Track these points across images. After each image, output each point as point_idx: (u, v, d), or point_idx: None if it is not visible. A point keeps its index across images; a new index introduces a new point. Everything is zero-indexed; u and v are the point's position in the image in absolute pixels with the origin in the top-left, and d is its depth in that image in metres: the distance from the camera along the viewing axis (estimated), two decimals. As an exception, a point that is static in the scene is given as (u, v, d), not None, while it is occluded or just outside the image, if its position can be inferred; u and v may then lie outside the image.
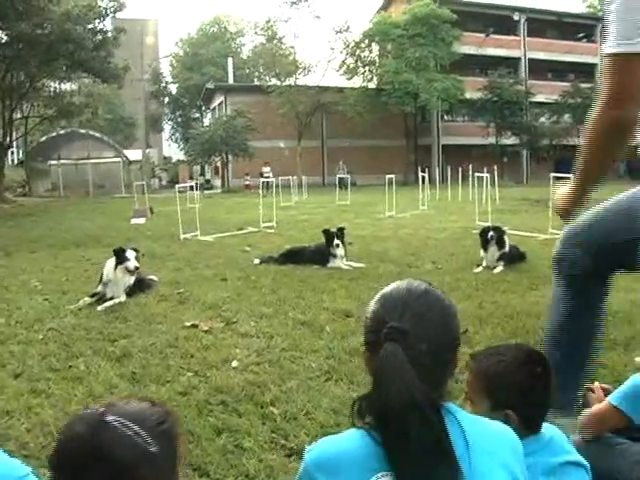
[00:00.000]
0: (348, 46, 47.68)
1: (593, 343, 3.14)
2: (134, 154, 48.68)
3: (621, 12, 2.13)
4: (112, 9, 30.34)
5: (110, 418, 1.33)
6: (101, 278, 6.80)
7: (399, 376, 1.42)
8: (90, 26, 29.29)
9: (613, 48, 2.15)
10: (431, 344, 1.50)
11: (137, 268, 6.80)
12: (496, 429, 1.61)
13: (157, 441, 1.33)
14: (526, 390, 2.05)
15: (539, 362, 2.15)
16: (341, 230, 9.06)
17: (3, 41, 26.91)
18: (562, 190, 2.77)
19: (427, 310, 1.54)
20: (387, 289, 1.63)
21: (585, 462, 2.11)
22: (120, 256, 6.79)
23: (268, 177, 27.31)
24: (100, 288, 6.72)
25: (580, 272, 3.11)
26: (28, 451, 3.18)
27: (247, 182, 40.67)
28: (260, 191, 15.94)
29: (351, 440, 1.51)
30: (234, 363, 4.54)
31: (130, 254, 6.81)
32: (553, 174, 12.58)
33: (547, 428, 2.13)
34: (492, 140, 44.95)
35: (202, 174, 56.46)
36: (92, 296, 6.70)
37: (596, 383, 2.74)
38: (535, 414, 2.08)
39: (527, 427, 2.01)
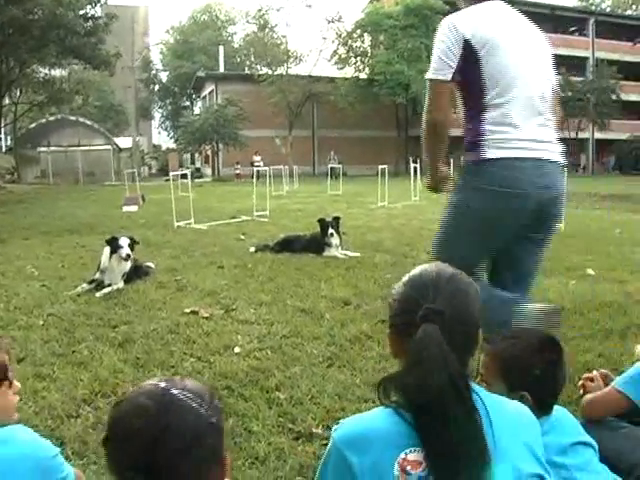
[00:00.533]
0: (340, 36, 47.68)
1: None
2: (124, 142, 48.49)
3: (441, 52, 3.41)
4: (103, -5, 30.18)
5: (175, 391, 1.36)
6: (99, 265, 6.81)
7: (439, 356, 1.48)
8: (81, 12, 29.13)
9: (430, 75, 3.47)
10: (462, 324, 1.56)
11: (129, 256, 6.82)
12: (516, 408, 1.67)
13: (213, 413, 1.38)
14: (541, 373, 2.11)
15: (554, 346, 2.22)
16: (336, 219, 9.10)
17: (-8, 26, 26.68)
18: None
19: (457, 292, 1.60)
20: (415, 272, 1.68)
21: (593, 442, 2.17)
22: (113, 245, 6.82)
23: (259, 166, 27.30)
24: (98, 275, 6.74)
25: None
26: (38, 433, 3.20)
27: (237, 171, 40.68)
28: (254, 180, 15.94)
29: (379, 418, 1.56)
30: (236, 349, 4.58)
31: (123, 241, 6.83)
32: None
33: (557, 410, 2.20)
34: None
35: (192, 162, 56.36)
36: (90, 283, 6.71)
37: (594, 372, 2.81)
38: (548, 396, 2.15)
39: (540, 408, 2.07)
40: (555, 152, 3.48)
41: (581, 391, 2.72)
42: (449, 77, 3.41)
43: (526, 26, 3.58)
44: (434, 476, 1.43)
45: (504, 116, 3.36)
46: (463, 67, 3.36)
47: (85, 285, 6.67)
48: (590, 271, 7.39)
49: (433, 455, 1.44)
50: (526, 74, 3.39)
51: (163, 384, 1.40)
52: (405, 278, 1.69)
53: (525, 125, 3.37)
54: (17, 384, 1.96)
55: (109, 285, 6.62)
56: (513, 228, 3.47)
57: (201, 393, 1.40)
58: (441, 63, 3.40)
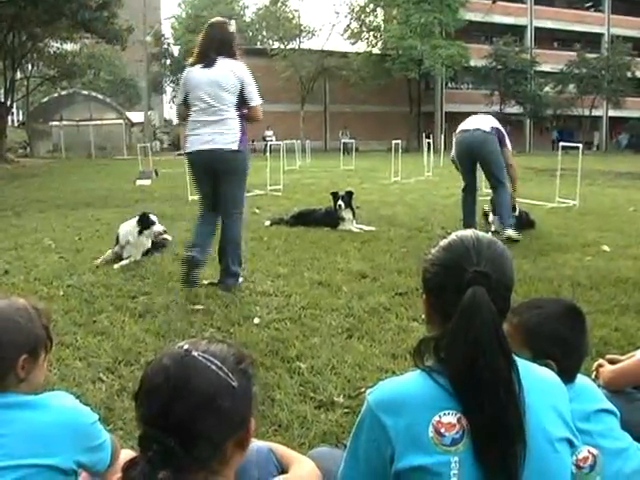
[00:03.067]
0: (353, 10, 47.33)
1: None
2: (135, 116, 48.39)
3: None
4: (116, -32, 29.94)
5: (195, 353, 1.40)
6: (117, 240, 6.85)
7: (489, 318, 1.50)
8: (94, -15, 28.93)
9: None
10: (504, 288, 1.59)
11: (165, 231, 6.95)
12: (545, 374, 1.70)
13: (236, 377, 1.41)
14: (565, 342, 2.14)
15: (578, 315, 2.24)
16: (349, 194, 9.09)
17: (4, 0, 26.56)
18: None
19: (498, 256, 1.62)
20: (452, 238, 1.69)
21: (615, 409, 2.20)
22: (145, 221, 6.86)
23: (271, 140, 27.23)
24: (117, 249, 6.77)
25: None
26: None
27: (251, 146, 40.64)
28: (267, 154, 15.91)
29: (413, 381, 1.58)
30: (256, 320, 4.63)
31: (154, 218, 6.90)
32: (562, 143, 12.64)
33: (580, 378, 2.22)
34: (496, 108, 44.73)
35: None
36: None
37: (603, 360, 2.84)
38: (573, 364, 2.17)
39: (565, 376, 2.09)
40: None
41: (594, 375, 2.75)
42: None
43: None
44: (470, 438, 1.46)
45: None
46: None
47: (110, 252, 6.76)
48: (605, 248, 7.39)
49: (472, 417, 1.47)
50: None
51: (186, 346, 1.44)
52: (443, 243, 1.70)
53: None
54: None
55: (127, 258, 6.67)
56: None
57: (224, 357, 1.43)
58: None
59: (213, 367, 1.39)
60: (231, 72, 5.42)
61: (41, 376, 1.90)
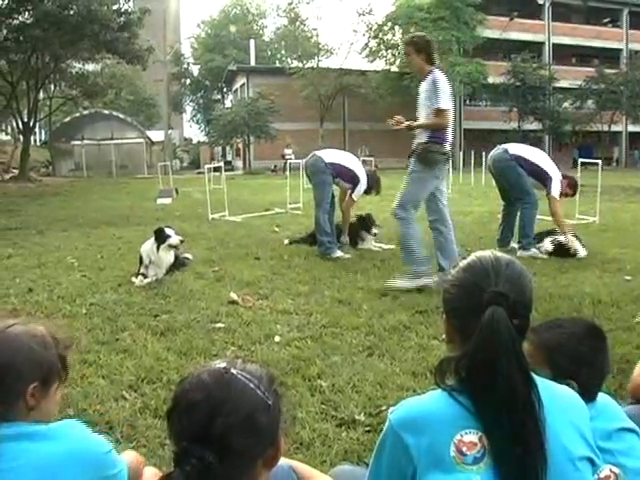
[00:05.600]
0: (371, 29, 47.40)
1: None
2: (156, 135, 48.75)
3: None
4: (137, -10, 30.34)
5: (234, 371, 1.45)
6: (140, 260, 6.87)
7: (508, 339, 1.53)
8: (115, 7, 29.24)
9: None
10: (523, 308, 1.62)
11: (182, 241, 7.00)
12: (565, 392, 1.72)
13: (270, 396, 1.45)
14: (586, 361, 2.15)
15: (599, 334, 2.25)
16: (368, 216, 9.20)
17: (29, 22, 26.92)
18: None
19: (516, 276, 1.65)
20: (472, 259, 1.73)
21: (637, 428, 2.20)
22: (160, 235, 6.88)
23: (290, 158, 27.32)
24: (142, 270, 6.78)
25: None
26: (87, 417, 3.30)
27: (275, 167, 40.83)
28: (287, 172, 15.98)
29: (434, 400, 1.60)
30: (277, 338, 4.67)
31: (169, 231, 6.93)
32: (581, 159, 12.60)
33: (601, 396, 2.22)
34: (514, 125, 44.61)
35: (224, 155, 56.59)
36: (137, 275, 6.78)
37: None
38: (594, 383, 2.17)
39: (586, 395, 2.10)
40: None
41: None
42: None
43: None
44: (491, 457, 1.48)
45: None
46: None
47: (140, 278, 6.72)
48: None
49: (493, 436, 1.49)
50: None
51: (225, 364, 1.48)
52: (462, 264, 1.74)
53: None
54: None
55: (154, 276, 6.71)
56: None
57: (260, 376, 1.48)
58: None
59: (252, 385, 1.44)
60: None
61: (52, 406, 1.87)
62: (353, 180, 8.63)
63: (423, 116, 6.61)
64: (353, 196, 8.73)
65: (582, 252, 7.96)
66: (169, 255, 6.90)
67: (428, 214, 6.77)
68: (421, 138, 6.56)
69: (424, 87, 6.57)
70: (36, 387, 1.76)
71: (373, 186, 9.08)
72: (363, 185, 8.67)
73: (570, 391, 1.75)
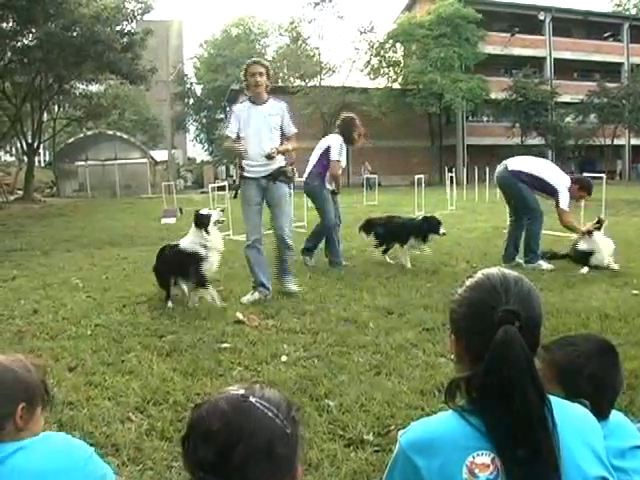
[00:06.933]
0: (372, 47, 47.73)
1: None
2: (159, 155, 48.97)
3: None
4: (140, 11, 30.46)
5: (253, 399, 1.41)
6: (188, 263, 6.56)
7: (522, 357, 1.50)
8: (118, 28, 29.47)
9: None
10: (534, 325, 1.60)
11: (222, 210, 7.00)
12: (578, 411, 1.69)
13: (289, 424, 1.42)
14: (599, 379, 2.12)
15: (610, 351, 2.22)
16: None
17: (33, 44, 27.12)
18: None
19: (527, 293, 1.63)
20: (479, 276, 1.70)
21: None
22: (202, 219, 6.60)
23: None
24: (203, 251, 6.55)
25: None
26: (93, 439, 3.27)
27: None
28: (291, 191, 15.94)
29: (445, 421, 1.58)
30: (283, 358, 4.64)
31: (205, 211, 6.80)
32: (585, 174, 12.58)
33: (614, 414, 2.20)
34: (517, 140, 44.65)
35: (227, 175, 56.71)
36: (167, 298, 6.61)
37: None
38: (607, 401, 2.14)
39: (599, 414, 2.07)
40: None
41: None
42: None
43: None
44: (505, 478, 1.45)
45: None
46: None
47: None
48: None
49: (506, 457, 1.46)
50: None
51: (242, 391, 1.44)
52: (469, 282, 1.71)
53: None
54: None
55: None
56: None
57: (279, 403, 1.44)
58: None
59: (270, 414, 1.40)
60: None
61: (38, 430, 1.90)
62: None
63: None
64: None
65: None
66: (219, 233, 6.78)
67: None
68: None
69: None
70: (24, 408, 1.82)
71: (348, 136, 9.49)
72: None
73: (583, 410, 1.72)
